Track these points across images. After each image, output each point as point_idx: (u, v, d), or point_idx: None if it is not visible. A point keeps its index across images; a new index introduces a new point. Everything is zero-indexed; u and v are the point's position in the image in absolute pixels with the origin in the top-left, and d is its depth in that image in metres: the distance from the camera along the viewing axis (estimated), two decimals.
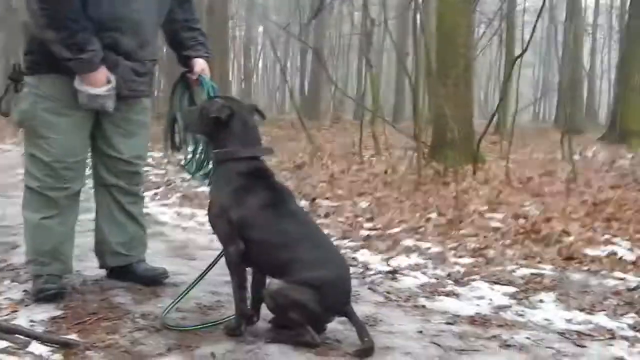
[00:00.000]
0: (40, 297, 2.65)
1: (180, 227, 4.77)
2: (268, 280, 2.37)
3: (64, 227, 2.75)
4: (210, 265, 2.68)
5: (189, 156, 2.88)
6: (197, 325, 2.44)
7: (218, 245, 4.00)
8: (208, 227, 4.67)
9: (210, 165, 2.82)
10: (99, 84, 2.55)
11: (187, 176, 7.05)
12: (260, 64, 39.60)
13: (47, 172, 2.64)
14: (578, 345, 2.32)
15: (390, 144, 10.43)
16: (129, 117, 2.83)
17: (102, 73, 2.55)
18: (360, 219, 4.94)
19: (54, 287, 2.67)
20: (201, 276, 2.69)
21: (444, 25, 7.66)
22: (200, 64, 2.89)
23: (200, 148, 2.85)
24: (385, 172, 7.34)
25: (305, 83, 25.30)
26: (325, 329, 2.36)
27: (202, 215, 5.22)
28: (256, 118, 2.55)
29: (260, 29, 34.57)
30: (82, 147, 2.74)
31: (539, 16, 6.55)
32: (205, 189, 6.30)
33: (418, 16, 7.33)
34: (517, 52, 10.38)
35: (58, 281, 2.73)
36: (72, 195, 2.74)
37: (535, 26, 6.45)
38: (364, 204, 5.55)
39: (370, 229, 4.52)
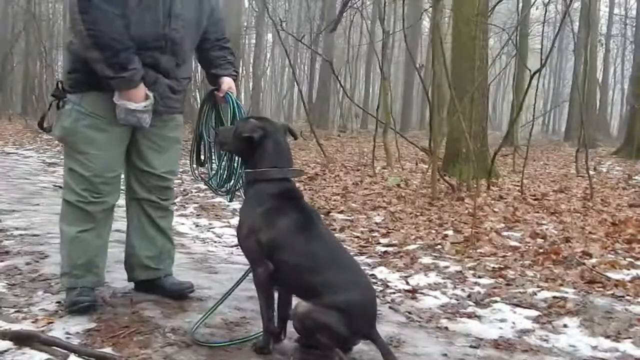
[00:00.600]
0: (74, 309, 2.71)
1: (199, 238, 4.82)
2: (295, 300, 2.41)
3: (99, 241, 2.82)
4: (236, 283, 2.73)
5: (213, 172, 2.95)
6: (227, 342, 2.48)
7: (238, 259, 4.11)
8: (226, 239, 4.82)
9: (232, 182, 2.88)
10: (138, 100, 2.62)
11: (203, 186, 7.15)
12: (267, 72, 39.76)
13: (86, 187, 2.70)
14: None
15: (400, 155, 10.49)
16: (163, 133, 2.90)
17: (141, 90, 2.63)
18: (375, 234, 4.98)
19: (87, 300, 2.73)
20: (228, 293, 2.73)
21: (461, 39, 7.73)
22: (227, 83, 2.96)
23: (224, 164, 2.90)
24: (398, 185, 7.39)
25: (313, 92, 25.38)
26: (352, 349, 2.40)
27: (219, 226, 5.30)
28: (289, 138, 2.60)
29: (270, 37, 34.74)
30: (119, 162, 2.81)
31: (559, 30, 6.57)
32: (222, 200, 6.42)
33: (430, 28, 7.33)
34: (528, 63, 10.48)
35: (91, 293, 2.79)
36: (108, 209, 2.81)
37: (555, 39, 6.47)
38: (378, 218, 5.60)
39: (386, 245, 4.56)
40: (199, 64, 3.18)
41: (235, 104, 2.89)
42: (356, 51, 26.24)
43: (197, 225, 5.29)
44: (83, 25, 2.48)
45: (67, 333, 2.51)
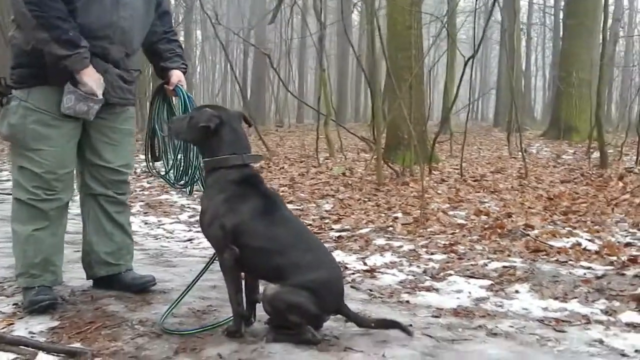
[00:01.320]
0: (34, 309, 2.64)
1: (150, 235, 4.77)
2: (262, 284, 2.45)
3: (54, 238, 2.75)
4: (200, 273, 2.73)
5: (169, 166, 2.93)
6: (197, 329, 2.49)
7: (194, 252, 4.11)
8: (178, 234, 4.79)
9: (188, 175, 2.88)
10: (95, 79, 2.57)
11: (147, 185, 7.05)
12: (198, 69, 39.19)
13: (38, 184, 2.64)
14: (558, 331, 2.50)
15: (340, 146, 10.65)
16: (115, 126, 2.86)
17: (94, 70, 2.57)
18: (327, 220, 5.08)
19: (47, 298, 2.67)
20: (193, 283, 2.74)
21: (396, 28, 7.91)
22: (177, 75, 2.94)
23: (179, 158, 2.89)
24: (344, 174, 7.52)
25: (247, 87, 25.30)
26: (322, 326, 2.47)
27: (169, 222, 5.25)
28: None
29: (199, 33, 34.26)
30: (71, 158, 2.75)
31: (489, 18, 6.84)
32: (168, 197, 6.35)
33: (360, 20, 7.48)
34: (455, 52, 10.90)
35: (50, 292, 2.73)
36: (61, 207, 2.75)
37: (485, 27, 6.73)
38: (327, 206, 5.70)
39: (339, 230, 4.66)
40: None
41: (186, 97, 2.88)
42: (289, 45, 26.34)
43: (146, 223, 5.22)
44: (26, 7, 2.43)
45: (31, 332, 2.45)
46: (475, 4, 7.49)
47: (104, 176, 2.88)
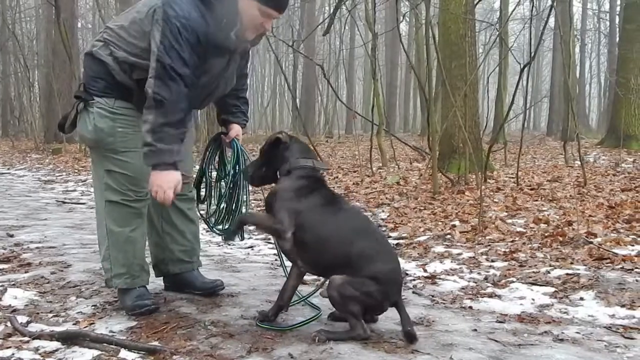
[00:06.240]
0: (140, 312, 2.77)
1: (212, 242, 4.91)
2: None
3: (144, 239, 2.91)
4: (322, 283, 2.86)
5: (212, 209, 3.07)
6: (290, 326, 2.61)
7: (255, 259, 4.22)
8: (238, 242, 4.88)
9: (227, 224, 2.99)
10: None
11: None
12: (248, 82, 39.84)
13: (129, 186, 2.77)
14: (627, 338, 2.48)
15: (393, 155, 10.67)
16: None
17: (171, 175, 2.62)
18: (384, 229, 5.11)
19: (152, 303, 2.82)
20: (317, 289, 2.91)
21: (450, 37, 7.90)
22: (236, 130, 3.09)
23: (222, 204, 2.99)
24: (398, 183, 7.55)
25: (297, 99, 25.64)
26: (377, 320, 2.62)
27: None
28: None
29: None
30: None
31: (546, 23, 6.77)
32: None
33: (412, 28, 7.49)
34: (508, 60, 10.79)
35: (150, 295, 2.89)
36: (146, 207, 2.90)
37: (542, 33, 6.67)
38: (383, 214, 5.74)
39: (397, 238, 4.69)
40: None
41: (239, 150, 3.01)
42: (338, 56, 26.56)
43: (207, 230, 5.35)
44: (153, 88, 2.53)
45: (111, 331, 2.60)
46: (532, 11, 7.40)
47: None
